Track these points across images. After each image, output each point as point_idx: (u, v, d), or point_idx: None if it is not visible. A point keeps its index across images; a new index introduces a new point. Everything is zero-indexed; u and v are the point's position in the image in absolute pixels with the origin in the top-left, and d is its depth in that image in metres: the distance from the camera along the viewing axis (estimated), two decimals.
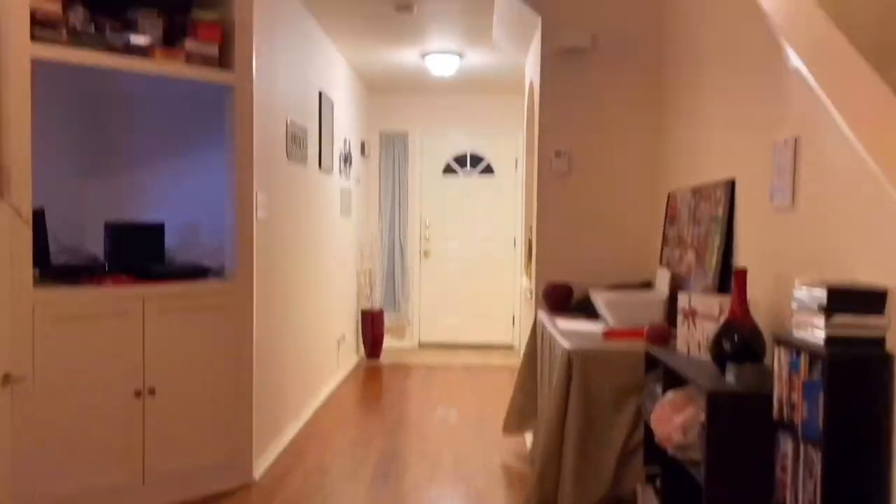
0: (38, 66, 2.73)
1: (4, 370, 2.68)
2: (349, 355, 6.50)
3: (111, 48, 2.96)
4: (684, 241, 3.17)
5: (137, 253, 3.38)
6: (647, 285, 3.68)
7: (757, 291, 2.35)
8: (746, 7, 2.62)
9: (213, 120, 3.47)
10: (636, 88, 3.93)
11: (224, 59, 3.28)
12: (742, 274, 2.13)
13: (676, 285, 3.13)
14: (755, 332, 2.10)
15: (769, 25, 2.41)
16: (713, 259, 2.75)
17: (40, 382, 2.79)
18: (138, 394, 3.06)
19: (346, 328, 6.38)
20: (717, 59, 3.01)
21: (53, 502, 2.85)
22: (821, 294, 1.68)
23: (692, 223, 3.09)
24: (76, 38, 2.85)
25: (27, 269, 2.73)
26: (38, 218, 2.96)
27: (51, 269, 3.11)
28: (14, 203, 2.66)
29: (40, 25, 2.71)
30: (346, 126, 6.19)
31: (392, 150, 7.57)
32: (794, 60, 2.19)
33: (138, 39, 3.05)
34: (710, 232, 2.83)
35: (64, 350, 2.86)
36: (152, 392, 3.09)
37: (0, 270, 2.64)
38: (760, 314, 2.27)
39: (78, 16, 2.88)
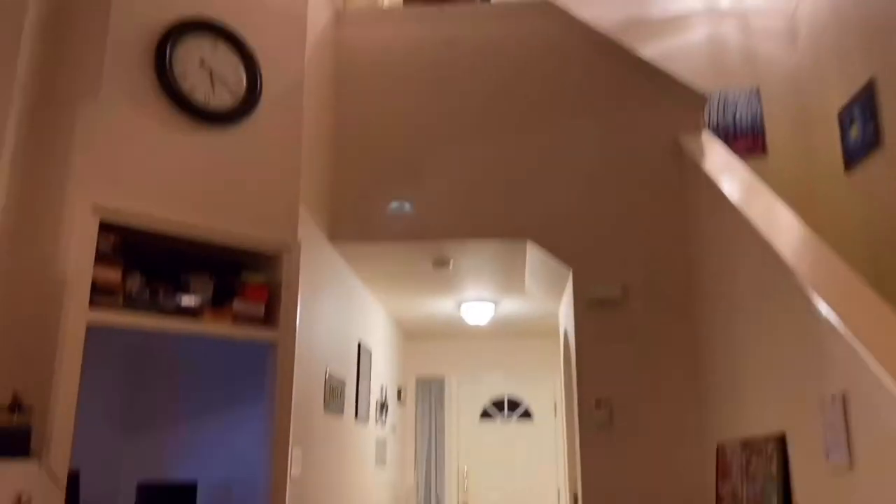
0: (91, 329, 2.86)
1: None
2: None
3: (163, 311, 3.11)
4: (740, 500, 2.98)
5: None
6: None
7: None
8: (770, 257, 2.70)
9: (254, 375, 3.54)
10: (672, 336, 3.95)
11: (269, 317, 3.41)
12: None
13: None
14: None
15: (795, 276, 2.47)
16: None
17: None
18: None
19: None
20: (749, 307, 3.05)
21: None
22: None
23: (746, 480, 2.93)
24: (131, 303, 3.01)
25: None
26: (72, 480, 2.92)
27: None
28: (50, 468, 2.65)
29: (100, 293, 2.88)
30: (382, 373, 6.24)
31: (429, 395, 7.55)
32: (826, 312, 2.21)
33: (189, 301, 3.21)
34: (766, 491, 2.67)
35: None
36: None
37: None
38: None
39: (135, 282, 3.07)
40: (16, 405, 2.68)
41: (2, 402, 2.68)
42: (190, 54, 3.27)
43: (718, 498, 3.31)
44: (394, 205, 4.31)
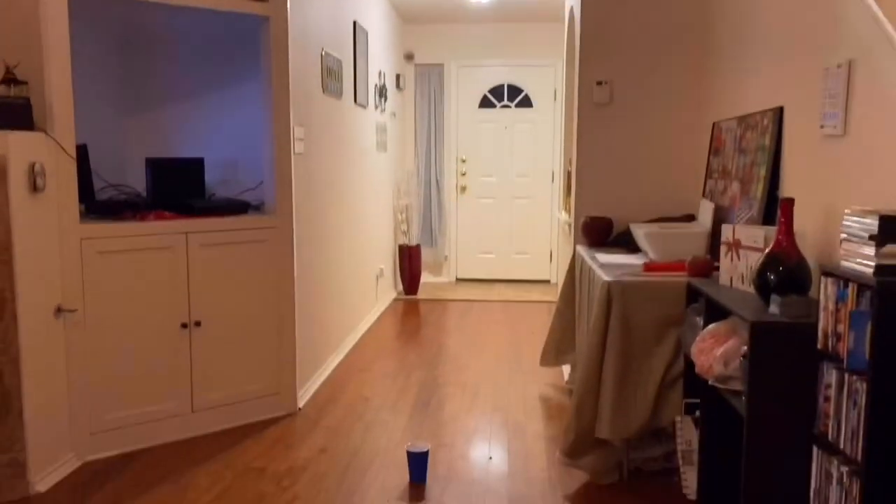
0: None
1: (57, 302, 2.76)
2: (387, 290, 6.58)
3: None
4: (729, 173, 3.09)
5: (178, 188, 3.42)
6: (690, 218, 3.62)
7: (804, 222, 2.30)
8: None
9: (249, 53, 3.45)
10: (680, 15, 3.79)
11: None
12: (789, 203, 2.07)
13: (720, 217, 3.07)
14: (801, 263, 2.06)
15: None
16: (759, 190, 2.69)
17: (90, 314, 2.88)
18: (184, 325, 3.14)
19: (384, 263, 6.43)
20: None
21: (107, 427, 2.97)
22: (872, 223, 1.63)
23: (737, 153, 3.01)
24: None
25: (73, 205, 2.79)
26: (82, 154, 3.00)
27: (95, 204, 3.17)
28: (58, 138, 2.70)
29: None
30: (380, 58, 6.11)
31: (428, 82, 7.47)
32: None
33: None
34: (756, 162, 2.76)
35: (111, 283, 2.93)
36: (198, 324, 3.17)
37: (47, 206, 2.70)
38: (807, 246, 2.22)
39: None
40: (10, 78, 2.65)
41: None
42: None
43: (708, 172, 3.44)
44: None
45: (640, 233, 3.23)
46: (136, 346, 3.03)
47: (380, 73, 6.06)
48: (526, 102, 7.49)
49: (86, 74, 3.27)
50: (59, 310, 2.78)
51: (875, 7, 1.95)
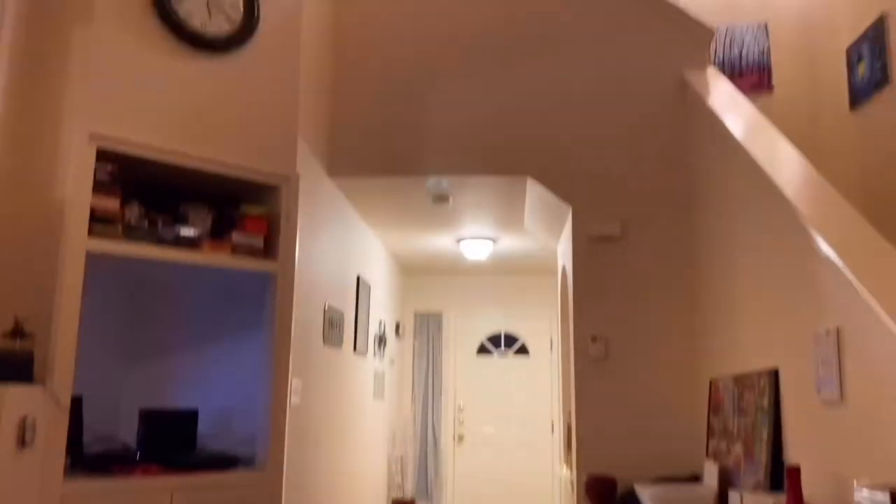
0: (91, 258, 2.87)
1: None
2: None
3: (162, 241, 3.11)
4: (731, 433, 3.04)
5: (170, 440, 3.34)
6: (695, 478, 3.50)
7: (813, 490, 2.22)
8: (771, 194, 2.69)
9: (253, 306, 3.56)
10: (669, 274, 3.97)
11: (268, 249, 3.41)
12: (796, 473, 2.02)
13: (726, 480, 2.97)
14: None
15: (796, 214, 2.46)
16: (762, 453, 2.63)
17: None
18: None
19: None
20: (748, 245, 3.05)
21: None
22: (884, 498, 1.57)
23: (737, 413, 2.99)
24: (130, 233, 3.00)
25: (59, 459, 2.70)
26: (76, 406, 2.97)
27: (83, 458, 3.07)
28: (54, 392, 2.69)
29: (99, 221, 2.87)
30: (381, 307, 6.29)
31: (427, 330, 7.63)
32: (826, 249, 2.21)
33: (188, 232, 3.21)
34: (757, 424, 2.73)
35: None
36: None
37: (33, 461, 2.61)
38: None
39: (133, 212, 3.05)
40: (18, 331, 2.71)
41: (4, 329, 2.70)
42: None
43: (710, 430, 3.38)
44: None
45: (646, 496, 3.10)
46: None
47: (380, 323, 6.21)
48: (523, 351, 7.59)
49: (89, 321, 3.35)
50: None
51: (853, 278, 2.05)
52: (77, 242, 2.79)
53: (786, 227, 2.59)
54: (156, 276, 3.64)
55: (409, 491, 6.97)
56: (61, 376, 2.72)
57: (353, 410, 5.15)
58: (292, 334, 3.48)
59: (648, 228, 4.04)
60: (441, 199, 4.74)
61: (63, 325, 2.75)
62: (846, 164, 4.62)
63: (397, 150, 4.26)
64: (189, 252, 3.18)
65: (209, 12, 3.23)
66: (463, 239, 6.03)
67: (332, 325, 4.39)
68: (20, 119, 2.91)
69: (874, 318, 1.90)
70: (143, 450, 3.27)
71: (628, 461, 3.74)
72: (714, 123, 3.53)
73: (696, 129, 3.92)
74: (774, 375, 2.64)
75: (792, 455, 2.47)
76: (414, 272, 7.61)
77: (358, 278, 5.23)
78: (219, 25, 3.26)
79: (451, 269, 7.41)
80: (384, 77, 4.34)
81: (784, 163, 2.95)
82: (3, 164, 2.84)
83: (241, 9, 3.33)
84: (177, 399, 3.65)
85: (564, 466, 4.87)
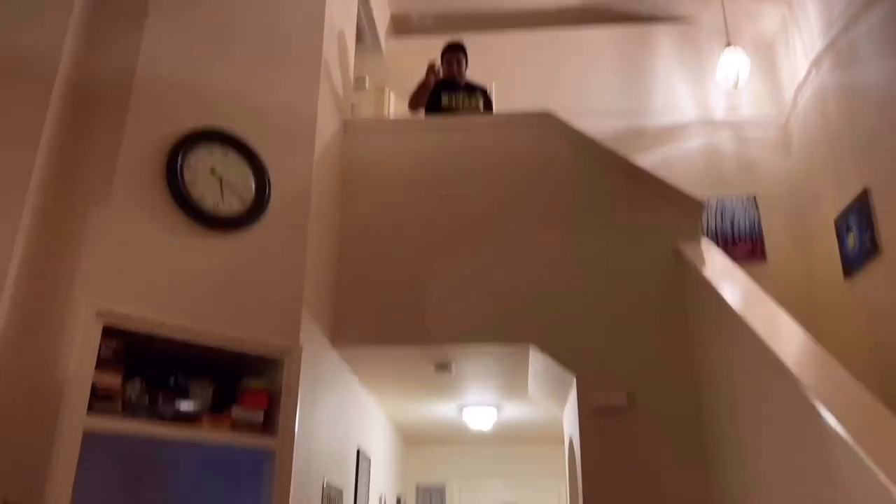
0: (88, 435, 2.82)
1: None
2: None
3: (161, 417, 3.07)
4: None
5: None
6: None
7: None
8: (774, 370, 2.68)
9: (249, 482, 3.44)
10: (679, 444, 3.87)
11: (268, 424, 3.36)
12: None
13: None
14: None
15: (801, 389, 2.45)
16: None
17: None
18: None
19: None
20: (752, 417, 3.00)
21: None
22: None
23: None
24: (130, 409, 2.97)
25: None
26: None
27: None
28: None
29: (99, 398, 2.85)
30: (381, 481, 6.07)
31: (429, 503, 7.32)
32: (835, 426, 2.18)
33: (188, 406, 3.17)
34: None
35: None
36: None
37: None
38: None
39: (135, 388, 3.04)
40: None
41: None
42: (201, 162, 3.36)
43: None
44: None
45: None
46: None
47: (380, 499, 5.97)
48: None
49: (84, 497, 3.22)
50: None
51: (866, 457, 2.00)
52: (75, 420, 2.76)
53: (790, 399, 2.56)
54: (153, 451, 3.55)
55: None
56: None
57: None
58: None
59: (655, 398, 3.99)
60: (443, 367, 4.72)
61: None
62: (845, 332, 4.64)
63: (400, 320, 4.30)
64: (188, 429, 3.13)
65: (222, 193, 3.39)
66: (466, 406, 5.94)
67: (330, 503, 4.23)
68: (30, 293, 2.97)
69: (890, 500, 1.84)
70: None
71: None
72: (711, 294, 3.59)
73: (694, 299, 3.98)
74: None
75: None
76: (416, 441, 7.42)
77: (358, 451, 5.09)
78: (230, 206, 3.41)
79: (454, 438, 7.23)
80: (387, 249, 4.46)
81: (783, 333, 2.98)
82: (8, 338, 2.86)
83: (253, 191, 3.50)
84: None
85: None
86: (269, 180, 3.57)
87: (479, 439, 7.17)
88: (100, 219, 3.10)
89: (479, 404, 5.88)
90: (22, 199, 2.99)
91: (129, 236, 3.12)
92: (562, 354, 4.15)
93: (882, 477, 1.89)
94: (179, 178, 3.25)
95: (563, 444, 5.40)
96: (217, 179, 3.39)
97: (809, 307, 4.86)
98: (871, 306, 4.39)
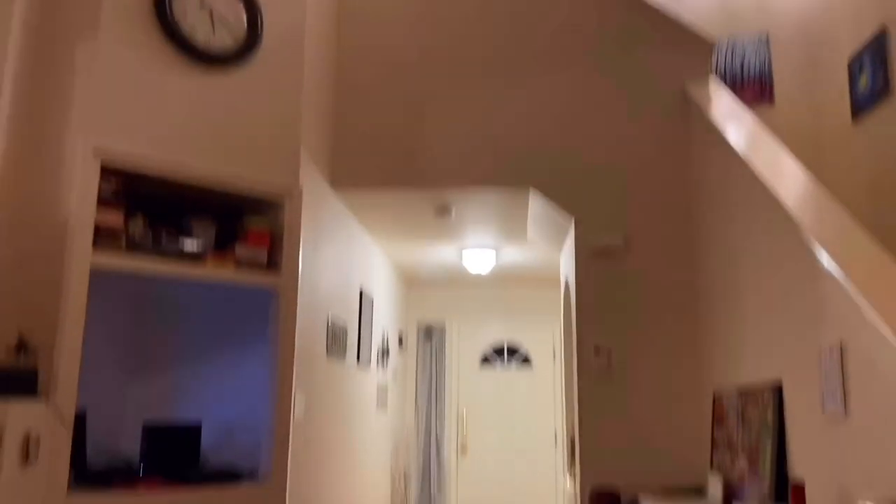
0: (95, 272, 2.88)
1: None
2: None
3: (165, 255, 3.11)
4: (734, 446, 3.04)
5: (173, 454, 3.34)
6: (699, 490, 3.49)
7: None
8: (773, 208, 2.69)
9: (256, 319, 3.56)
10: (672, 286, 3.97)
11: (271, 263, 3.42)
12: (800, 490, 2.02)
13: (730, 493, 2.96)
14: None
15: (798, 228, 2.47)
16: (766, 467, 2.62)
17: None
18: None
19: None
20: (750, 257, 3.06)
21: None
22: None
23: (741, 426, 2.98)
24: (134, 247, 3.01)
25: (63, 475, 2.70)
26: (79, 420, 2.97)
27: (86, 472, 3.07)
28: (57, 408, 2.69)
29: (103, 236, 2.88)
30: (384, 319, 6.29)
31: (430, 340, 7.62)
32: (828, 264, 2.22)
33: (192, 246, 3.21)
34: (761, 437, 2.72)
35: None
36: None
37: (37, 477, 2.62)
38: None
39: (138, 226, 3.06)
40: (22, 346, 2.72)
41: (8, 344, 2.71)
42: None
43: (713, 443, 3.37)
44: None
45: None
46: None
47: (383, 335, 6.21)
48: (526, 361, 7.58)
49: (93, 334, 3.35)
50: None
51: (856, 293, 2.05)
52: (81, 257, 2.80)
53: (788, 240, 2.59)
54: (159, 290, 3.64)
55: (413, 502, 6.95)
56: (65, 391, 2.73)
57: (357, 423, 5.14)
58: (295, 348, 3.48)
59: (651, 240, 4.04)
60: (443, 210, 4.74)
61: (67, 339, 2.75)
62: (849, 175, 4.62)
63: (400, 162, 4.28)
64: (193, 266, 3.18)
65: (213, 27, 3.25)
66: (466, 249, 6.04)
67: (335, 338, 4.40)
68: (24, 134, 2.93)
69: (878, 334, 1.90)
70: (147, 464, 3.26)
71: (632, 473, 3.73)
72: (715, 135, 3.54)
73: (698, 141, 3.93)
74: (778, 389, 2.63)
75: (796, 469, 2.47)
76: (417, 284, 7.62)
77: (361, 291, 5.23)
78: (222, 40, 3.28)
79: (454, 281, 7.42)
80: (387, 89, 4.35)
81: (786, 174, 2.96)
82: (7, 179, 2.85)
83: (245, 24, 3.35)
84: (180, 413, 3.65)
85: (568, 478, 4.85)
86: (260, 14, 3.41)
87: (479, 281, 7.36)
88: (87, 54, 2.98)
89: (478, 247, 5.97)
90: (8, 32, 2.87)
91: (119, 72, 3.02)
92: (561, 197, 4.16)
93: (868, 311, 1.94)
94: (168, 10, 3.10)
95: (560, 286, 5.54)
96: (207, 12, 3.24)
97: (815, 150, 4.81)
98: (877, 148, 4.34)
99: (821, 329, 2.29)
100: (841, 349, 2.12)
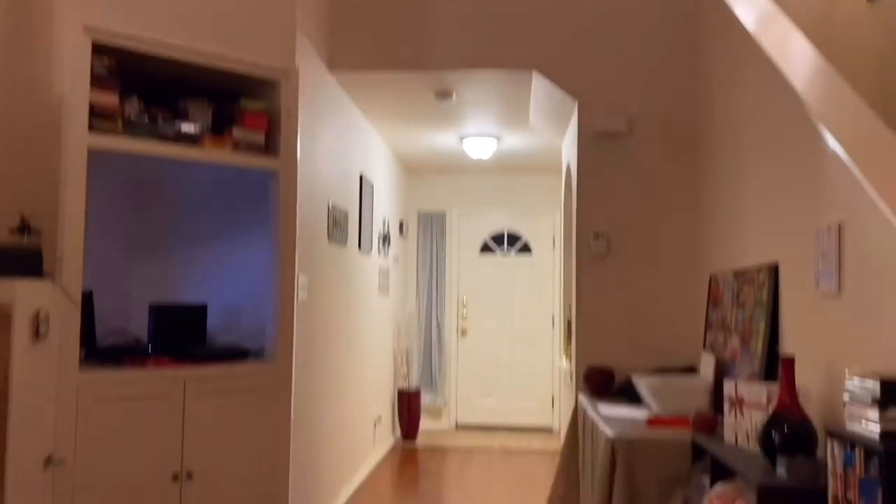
0: (93, 154, 2.86)
1: (47, 452, 2.70)
2: (385, 437, 6.42)
3: (163, 137, 3.08)
4: (728, 326, 3.11)
5: (180, 334, 3.42)
6: (691, 369, 3.60)
7: (806, 380, 2.28)
8: (780, 89, 2.64)
9: (257, 203, 3.56)
10: (674, 170, 3.95)
11: (269, 146, 3.39)
12: (790, 363, 2.07)
13: (721, 371, 3.06)
14: (806, 422, 2.03)
15: (805, 107, 2.43)
16: (758, 345, 2.69)
17: (80, 464, 2.80)
18: (175, 477, 3.04)
19: (383, 409, 6.32)
20: (754, 140, 3.02)
21: None
22: (874, 386, 1.62)
23: (736, 307, 3.04)
24: (130, 128, 2.97)
25: (74, 352, 2.78)
26: (87, 300, 3.03)
27: (96, 350, 3.16)
28: (66, 285, 2.74)
29: (98, 117, 2.84)
30: (385, 206, 6.30)
31: (430, 228, 7.66)
32: (833, 144, 2.19)
33: (189, 128, 3.17)
34: (755, 316, 2.78)
35: (105, 432, 2.87)
36: (189, 476, 3.07)
37: (48, 354, 2.69)
38: (811, 404, 2.20)
39: (133, 107, 3.01)
40: (24, 227, 2.73)
41: (10, 226, 2.72)
42: None
43: (708, 324, 3.45)
44: None
45: (642, 385, 3.20)
46: (124, 498, 2.92)
47: (384, 221, 6.24)
48: (526, 249, 7.65)
49: (95, 218, 3.37)
50: (48, 461, 2.70)
51: (857, 171, 2.04)
52: (77, 138, 2.77)
53: (793, 120, 2.55)
54: (158, 173, 3.63)
55: (414, 381, 7.20)
56: (71, 271, 2.77)
57: (359, 305, 5.25)
58: (297, 231, 3.50)
59: (655, 125, 3.99)
60: (444, 94, 4.65)
61: (69, 220, 2.77)
62: (861, 57, 4.49)
63: (399, 44, 4.16)
64: (190, 148, 3.16)
65: None
66: (466, 136, 5.97)
67: (336, 224, 4.42)
68: (11, 14, 2.83)
69: (877, 212, 1.90)
70: (155, 343, 3.35)
71: (626, 353, 3.84)
72: (724, 13, 3.42)
73: (707, 20, 3.80)
74: (774, 270, 2.67)
75: (788, 347, 2.53)
76: (417, 171, 7.58)
77: (361, 177, 5.21)
78: None
79: (455, 168, 7.37)
80: None
81: (795, 54, 2.88)
82: None
83: None
84: (185, 295, 3.71)
85: (564, 358, 5.01)
86: None
87: (479, 168, 7.32)
88: None
89: (479, 134, 5.90)
90: None
91: None
92: (565, 80, 4.07)
93: (868, 188, 1.94)
94: None
95: (561, 174, 5.51)
96: None
97: (828, 29, 4.65)
98: (891, 31, 4.20)
99: (820, 210, 2.29)
100: (839, 229, 2.13)
